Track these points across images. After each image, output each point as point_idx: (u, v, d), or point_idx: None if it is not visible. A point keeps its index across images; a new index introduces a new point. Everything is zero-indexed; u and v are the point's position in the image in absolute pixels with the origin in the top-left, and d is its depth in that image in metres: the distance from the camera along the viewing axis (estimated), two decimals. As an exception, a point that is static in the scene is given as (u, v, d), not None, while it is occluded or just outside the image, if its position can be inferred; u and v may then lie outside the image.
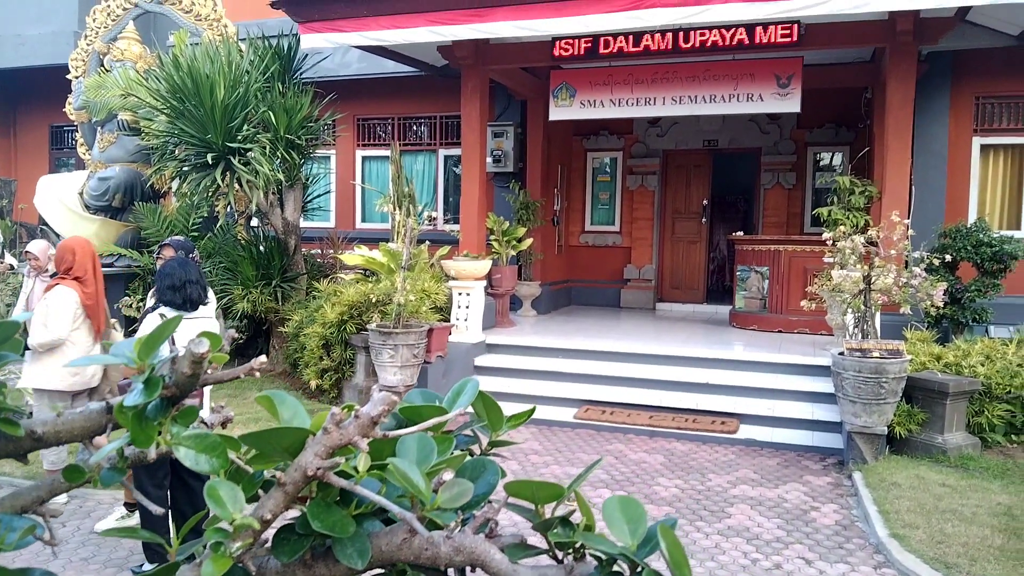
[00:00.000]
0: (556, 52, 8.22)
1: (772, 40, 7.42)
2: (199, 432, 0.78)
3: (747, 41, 7.47)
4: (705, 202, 11.84)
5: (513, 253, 9.52)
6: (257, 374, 0.90)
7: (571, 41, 8.07)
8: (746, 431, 6.87)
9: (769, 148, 11.11)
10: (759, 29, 7.40)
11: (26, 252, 5.76)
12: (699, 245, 11.93)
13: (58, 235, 10.68)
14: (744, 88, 8.21)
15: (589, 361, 7.99)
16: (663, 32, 7.62)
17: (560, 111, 9.13)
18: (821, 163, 11.05)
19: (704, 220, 11.88)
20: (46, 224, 10.92)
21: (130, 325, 8.41)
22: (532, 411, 1.02)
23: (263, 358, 0.93)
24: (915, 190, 8.38)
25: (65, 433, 0.83)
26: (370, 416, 0.76)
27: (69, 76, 10.87)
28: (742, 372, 7.51)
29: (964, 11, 7.08)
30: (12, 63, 12.66)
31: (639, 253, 11.84)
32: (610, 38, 7.91)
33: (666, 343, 8.34)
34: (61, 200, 10.10)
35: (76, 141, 11.39)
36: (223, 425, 0.91)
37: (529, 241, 9.72)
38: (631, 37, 7.82)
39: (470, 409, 0.97)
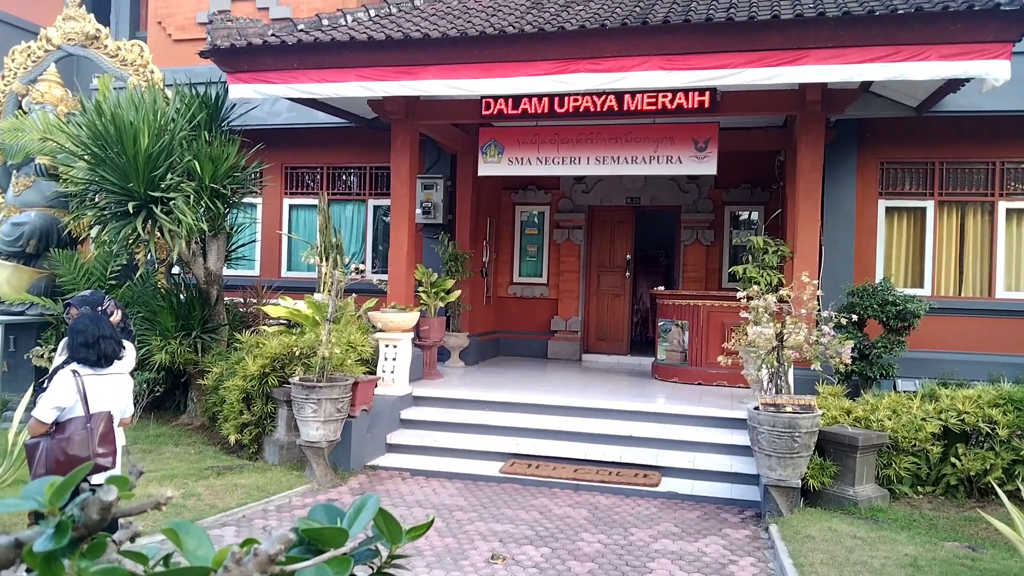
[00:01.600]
0: (485, 110, 8.41)
1: (690, 106, 7.80)
2: (107, 567, 0.80)
3: (667, 106, 7.83)
4: (629, 256, 12.15)
5: (441, 304, 9.55)
6: (163, 508, 0.93)
7: (499, 100, 8.28)
8: (668, 484, 6.98)
9: (688, 206, 11.52)
10: (678, 95, 7.77)
11: None
12: (623, 298, 12.20)
13: (-36, 280, 10.22)
14: (664, 150, 8.56)
15: (515, 414, 8.02)
16: (587, 95, 7.90)
17: (489, 167, 9.31)
18: (740, 219, 11.50)
19: (628, 274, 12.17)
20: (-49, 269, 10.44)
21: (40, 376, 8.06)
22: (431, 522, 1.06)
23: (170, 492, 0.96)
24: (825, 249, 8.82)
25: None
26: (268, 554, 0.80)
27: (-17, 117, 10.53)
28: (664, 424, 7.66)
29: (867, 84, 7.57)
30: (-79, 101, 12.19)
31: (566, 305, 12.02)
32: (536, 99, 8.15)
33: (591, 395, 8.45)
34: (-31, 244, 9.69)
35: (-12, 183, 10.98)
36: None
37: (458, 293, 9.78)
38: (557, 99, 8.08)
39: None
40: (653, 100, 7.85)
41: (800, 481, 6.16)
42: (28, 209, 9.74)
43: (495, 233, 12.02)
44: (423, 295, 9.30)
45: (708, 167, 8.56)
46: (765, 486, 6.20)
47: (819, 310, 7.02)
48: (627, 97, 7.88)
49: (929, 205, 9.72)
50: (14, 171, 9.97)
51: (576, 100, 8.04)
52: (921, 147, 9.60)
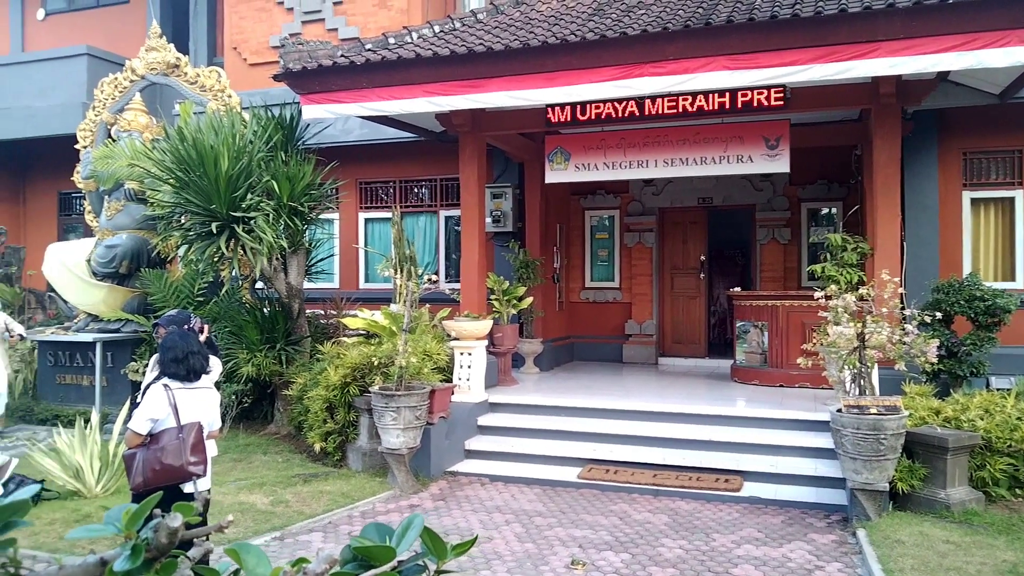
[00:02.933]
0: (550, 119, 8.46)
1: (759, 104, 7.66)
2: None
3: (735, 105, 7.71)
4: (703, 257, 12.00)
5: (514, 311, 9.63)
6: (226, 531, 1.01)
7: (564, 108, 8.31)
8: (750, 488, 6.87)
9: (763, 205, 11.30)
10: (746, 94, 7.64)
11: None
12: (699, 300, 12.04)
13: (66, 302, 10.85)
14: (734, 150, 8.43)
15: (592, 419, 8.03)
16: (653, 98, 7.85)
17: (556, 174, 9.35)
18: (821, 215, 11.22)
19: (702, 275, 12.01)
20: (53, 291, 11.10)
21: (135, 390, 8.47)
22: (475, 540, 1.12)
23: (230, 517, 1.05)
24: (907, 245, 8.52)
25: None
26: (315, 572, 0.87)
27: (77, 146, 11.16)
28: (745, 428, 7.54)
29: (944, 73, 7.31)
30: (22, 134, 13.00)
31: (639, 308, 11.95)
32: (602, 105, 8.15)
33: (669, 400, 8.38)
34: (69, 267, 10.29)
35: (84, 209, 11.63)
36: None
37: (529, 299, 9.84)
38: (622, 104, 8.07)
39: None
40: (721, 100, 7.74)
41: (888, 484, 5.97)
42: (120, 232, 10.28)
43: (565, 239, 12.05)
44: (495, 303, 9.40)
45: (780, 165, 8.39)
46: (851, 490, 6.04)
47: (902, 308, 6.80)
48: (694, 98, 7.81)
49: (1018, 195, 9.30)
50: (106, 196, 10.54)
51: (641, 104, 8.01)
52: (1007, 135, 9.19)
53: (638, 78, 7.04)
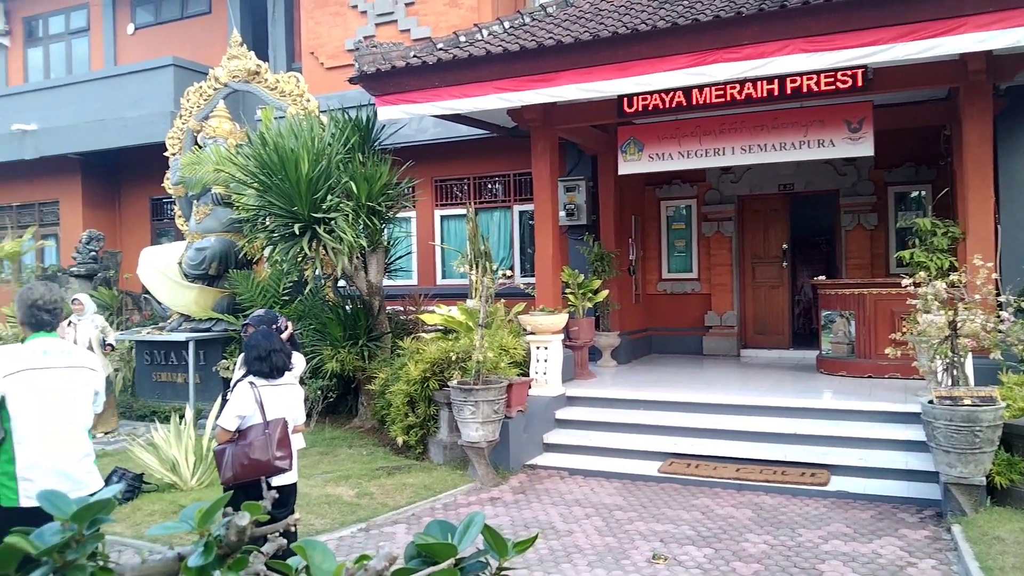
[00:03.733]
0: (622, 110, 8.38)
1: (839, 87, 7.39)
2: None
3: (814, 88, 7.46)
4: (785, 246, 11.69)
5: (590, 305, 9.60)
6: (294, 528, 1.06)
7: (637, 98, 8.21)
8: (837, 483, 6.68)
9: (847, 190, 10.93)
10: (825, 77, 7.38)
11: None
12: (781, 289, 11.74)
13: (160, 303, 11.38)
14: (814, 135, 8.17)
15: (672, 412, 7.94)
16: (728, 85, 7.68)
17: (629, 165, 9.26)
18: (909, 199, 10.77)
19: (785, 264, 11.70)
20: (148, 293, 11.65)
21: (226, 387, 8.81)
22: (535, 538, 1.13)
23: (297, 515, 1.10)
24: (1001, 228, 8.09)
25: None
26: (376, 569, 0.91)
27: (167, 153, 11.68)
28: (831, 421, 7.33)
29: (1041, 44, 6.90)
30: (116, 143, 13.67)
31: (719, 299, 11.73)
32: (675, 93, 8.01)
33: (752, 392, 8.22)
34: (161, 270, 10.78)
35: (174, 213, 12.16)
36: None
37: (605, 292, 9.79)
38: (696, 91, 7.92)
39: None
40: (798, 84, 7.50)
41: (984, 478, 5.71)
42: (208, 235, 10.71)
43: (641, 230, 11.93)
44: (570, 296, 9.39)
45: (863, 148, 8.09)
46: (945, 484, 5.80)
47: (997, 294, 6.47)
48: (770, 83, 7.60)
49: None
50: (195, 201, 11.00)
51: (716, 91, 7.84)
52: (1114, 106, 8.61)
53: (712, 64, 6.90)
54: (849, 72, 7.29)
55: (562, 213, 10.22)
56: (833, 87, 7.42)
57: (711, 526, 5.95)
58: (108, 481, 6.25)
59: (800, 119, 8.31)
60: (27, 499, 3.60)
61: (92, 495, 3.25)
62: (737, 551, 5.42)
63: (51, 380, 3.74)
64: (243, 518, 0.98)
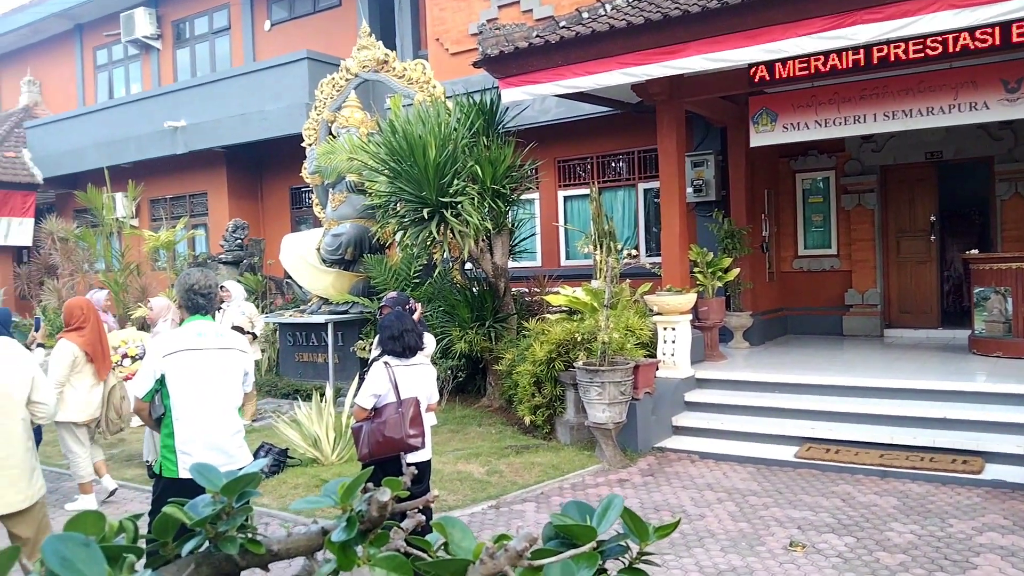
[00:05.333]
0: (753, 79, 8.04)
1: (994, 44, 6.75)
2: (389, 555, 0.97)
3: (969, 47, 6.86)
4: (933, 218, 10.91)
5: (720, 284, 9.32)
6: (432, 503, 1.07)
7: (769, 66, 7.85)
8: (993, 471, 6.20)
9: (1003, 156, 10.04)
10: (979, 33, 6.77)
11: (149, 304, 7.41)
12: (929, 265, 10.98)
13: (300, 287, 11.97)
14: (965, 97, 7.53)
15: (809, 396, 7.62)
16: (868, 48, 7.20)
17: (761, 137, 8.88)
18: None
19: (933, 237, 10.93)
20: (290, 277, 12.28)
21: (362, 367, 9.17)
22: (677, 523, 1.09)
23: (436, 492, 1.11)
24: None
25: (294, 549, 1.08)
26: (516, 550, 0.90)
27: (303, 144, 12.22)
28: (986, 405, 6.82)
29: None
30: (257, 136, 14.42)
31: (861, 276, 11.11)
32: (810, 59, 7.60)
33: (896, 374, 7.75)
34: (302, 256, 11.32)
35: (312, 202, 12.73)
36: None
37: (736, 271, 9.47)
38: (833, 56, 7.47)
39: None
40: (947, 43, 6.92)
41: None
42: (344, 221, 11.15)
43: (774, 205, 11.45)
44: (699, 275, 9.14)
45: (1022, 110, 7.39)
46: (1123, 476, 5.27)
47: None
48: (916, 44, 7.05)
49: None
50: (330, 189, 11.46)
51: (856, 54, 7.37)
52: None
53: (851, 27, 6.48)
54: (1004, 28, 6.65)
55: (689, 189, 9.95)
56: (987, 44, 6.80)
57: (852, 514, 5.67)
58: (256, 455, 6.67)
59: (949, 81, 7.68)
60: (185, 471, 3.89)
61: (242, 468, 3.45)
62: (881, 540, 5.14)
63: (205, 360, 4.00)
64: (384, 494, 1.01)
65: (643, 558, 1.04)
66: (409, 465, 4.62)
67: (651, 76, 7.77)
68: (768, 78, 8.00)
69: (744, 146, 9.82)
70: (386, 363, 4.65)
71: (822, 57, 7.59)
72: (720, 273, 9.20)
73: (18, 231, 18.12)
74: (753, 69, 8.00)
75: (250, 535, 1.06)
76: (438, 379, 5.76)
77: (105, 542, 0.95)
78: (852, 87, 8.21)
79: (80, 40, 19.61)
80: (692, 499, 6.17)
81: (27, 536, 4.04)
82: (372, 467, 1.14)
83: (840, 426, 7.15)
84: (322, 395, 8.07)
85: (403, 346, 4.66)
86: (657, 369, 7.87)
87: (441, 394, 9.21)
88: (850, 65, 7.51)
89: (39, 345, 7.38)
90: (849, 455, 6.80)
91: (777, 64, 7.83)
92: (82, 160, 17.10)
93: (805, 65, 7.71)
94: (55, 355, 6.38)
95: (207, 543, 1.05)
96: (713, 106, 9.77)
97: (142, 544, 1.00)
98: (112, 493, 6.74)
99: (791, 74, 7.83)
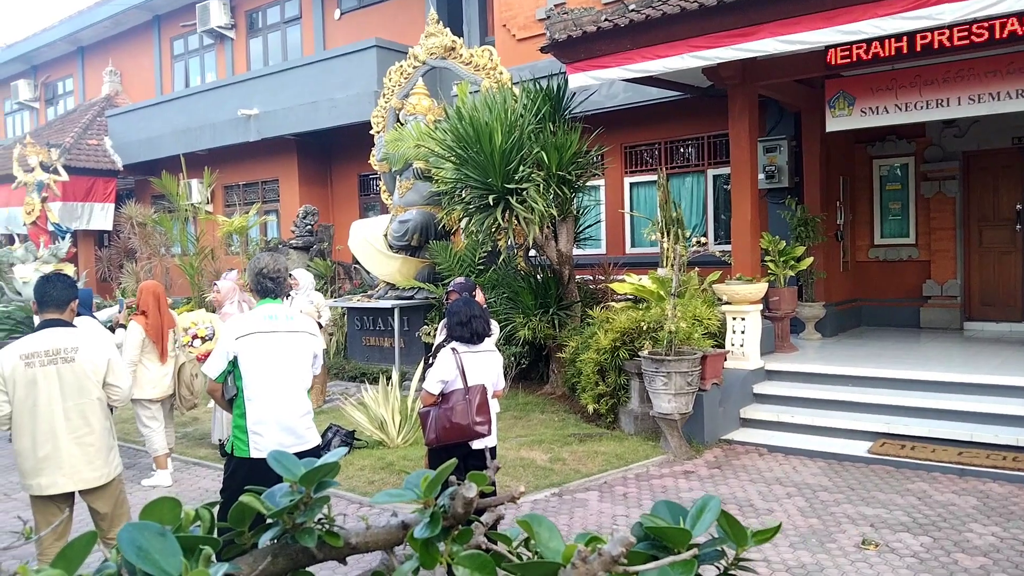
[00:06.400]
0: (830, 61, 7.76)
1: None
2: (473, 553, 0.93)
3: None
4: (1019, 207, 10.38)
5: (792, 273, 9.08)
6: (517, 501, 1.03)
7: (847, 48, 7.57)
8: (1084, 474, 5.90)
9: (1100, 140, 9.50)
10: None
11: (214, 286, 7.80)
12: (1014, 255, 10.47)
13: (368, 272, 12.15)
14: (1061, 78, 7.13)
15: (884, 390, 7.37)
16: (953, 28, 6.87)
17: (838, 121, 8.58)
18: None
19: (1019, 227, 10.42)
20: (358, 263, 12.46)
21: (427, 351, 9.25)
22: (778, 527, 1.02)
23: (522, 488, 1.06)
24: None
25: (372, 543, 1.05)
26: (611, 555, 0.85)
27: (372, 132, 12.35)
28: (1076, 403, 6.49)
29: None
30: (327, 124, 14.63)
31: (940, 267, 10.68)
32: (892, 40, 7.30)
33: (977, 370, 7.44)
34: (369, 241, 11.48)
35: (379, 188, 12.88)
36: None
37: (809, 260, 9.20)
38: (917, 36, 7.16)
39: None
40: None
41: None
42: (410, 208, 11.25)
43: (849, 192, 11.08)
44: (770, 264, 8.92)
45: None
46: None
47: None
48: (1005, 22, 6.70)
49: None
50: (398, 176, 11.57)
51: (940, 34, 7.05)
52: None
53: (935, 6, 6.18)
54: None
55: (761, 176, 9.70)
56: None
57: (928, 513, 5.47)
58: (324, 436, 6.80)
59: (1043, 61, 7.28)
60: (256, 451, 3.98)
61: (312, 450, 3.50)
62: (959, 542, 4.95)
63: (275, 343, 4.08)
64: (470, 489, 0.97)
65: (740, 563, 0.99)
66: (477, 451, 4.64)
67: (723, 60, 7.58)
68: (845, 61, 7.72)
69: (819, 131, 9.52)
70: (453, 349, 4.66)
71: (903, 38, 7.29)
72: (792, 262, 8.96)
73: (100, 216, 18.85)
74: (829, 52, 7.73)
75: (328, 527, 1.04)
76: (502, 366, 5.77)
77: (181, 531, 0.95)
78: (935, 69, 7.86)
79: (158, 31, 20.22)
80: (760, 493, 6.04)
81: (105, 511, 4.20)
82: (454, 460, 1.08)
83: (916, 422, 6.90)
84: (388, 379, 8.18)
85: (471, 332, 4.66)
86: (725, 360, 7.72)
87: (504, 380, 9.25)
88: (934, 46, 7.18)
89: (120, 326, 7.68)
90: (925, 452, 6.56)
91: (855, 46, 7.54)
92: (160, 147, 17.67)
93: (885, 47, 7.41)
94: (127, 336, 6.84)
95: (283, 535, 1.04)
96: (787, 90, 9.49)
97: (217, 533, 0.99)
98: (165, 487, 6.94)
99: (869, 56, 7.54)
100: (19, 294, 13.18)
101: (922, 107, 8.03)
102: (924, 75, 7.94)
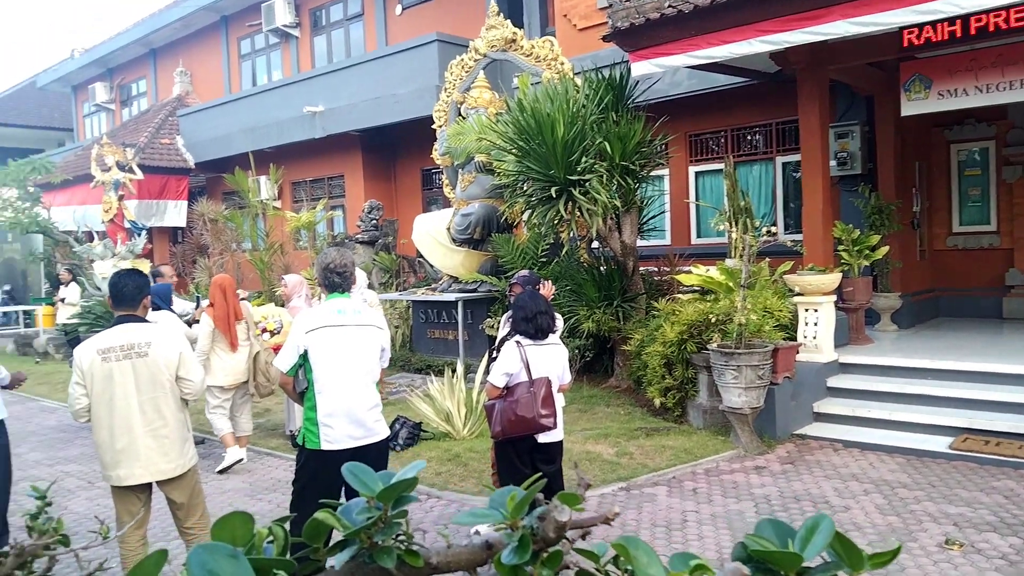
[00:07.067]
0: (905, 42, 7.45)
1: None
2: None
3: None
4: (1112, 189, 9.85)
5: (866, 263, 8.79)
6: (612, 523, 0.97)
7: (923, 29, 7.25)
8: None
9: None
10: None
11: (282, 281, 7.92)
12: (1106, 241, 9.94)
13: (431, 266, 12.23)
14: None
15: (966, 384, 7.08)
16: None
17: (913, 105, 8.25)
18: None
19: (1112, 211, 9.88)
20: (422, 256, 12.56)
21: (491, 344, 9.26)
22: (898, 549, 0.94)
23: (616, 509, 1.00)
24: None
25: (454, 563, 0.99)
26: None
27: (434, 126, 12.41)
28: None
29: None
30: (390, 119, 14.76)
31: (1024, 254, 10.21)
32: (972, 19, 6.95)
33: (1066, 362, 7.08)
34: (432, 235, 11.55)
35: (442, 182, 12.94)
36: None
37: (884, 249, 8.89)
38: (999, 14, 6.81)
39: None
40: None
41: None
42: (473, 201, 11.27)
43: (926, 178, 10.66)
44: (843, 254, 8.65)
45: None
46: None
47: None
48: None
49: None
50: (460, 169, 11.61)
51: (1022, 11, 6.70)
52: None
53: (1023, -21, 5.88)
54: None
55: (833, 162, 9.40)
56: None
57: (1017, 512, 5.23)
58: (391, 428, 6.87)
59: None
60: (327, 443, 4.03)
61: (381, 442, 3.51)
62: (1052, 544, 4.71)
63: (344, 336, 4.13)
64: (563, 512, 0.91)
65: None
66: (543, 444, 4.61)
67: (791, 44, 7.35)
68: (921, 42, 7.39)
69: (893, 116, 9.18)
70: (518, 342, 4.65)
71: (984, 16, 6.93)
72: (867, 251, 8.68)
73: (173, 213, 19.46)
74: (904, 33, 7.42)
75: (407, 545, 0.99)
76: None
77: (254, 550, 0.91)
78: (1019, 48, 7.48)
79: (225, 31, 20.71)
80: (836, 490, 5.87)
81: (181, 501, 4.32)
82: (542, 480, 1.01)
83: (1002, 417, 6.62)
84: (453, 371, 8.21)
85: (535, 328, 4.64)
86: (797, 352, 7.52)
87: (570, 374, 9.20)
88: (1016, 24, 6.82)
89: (195, 321, 7.93)
90: (1012, 448, 6.28)
91: (931, 26, 7.22)
92: (229, 145, 18.11)
93: (963, 26, 7.07)
94: (200, 328, 7.28)
95: (360, 554, 0.98)
96: (859, 73, 9.17)
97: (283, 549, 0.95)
98: (237, 462, 7.22)
99: (947, 36, 7.21)
100: (99, 289, 13.67)
101: (1005, 88, 7.66)
102: (1007, 55, 7.57)
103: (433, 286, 11.77)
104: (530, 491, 0.94)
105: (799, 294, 7.82)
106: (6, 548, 1.16)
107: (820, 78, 8.31)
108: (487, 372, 5.15)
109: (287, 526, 1.01)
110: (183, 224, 19.56)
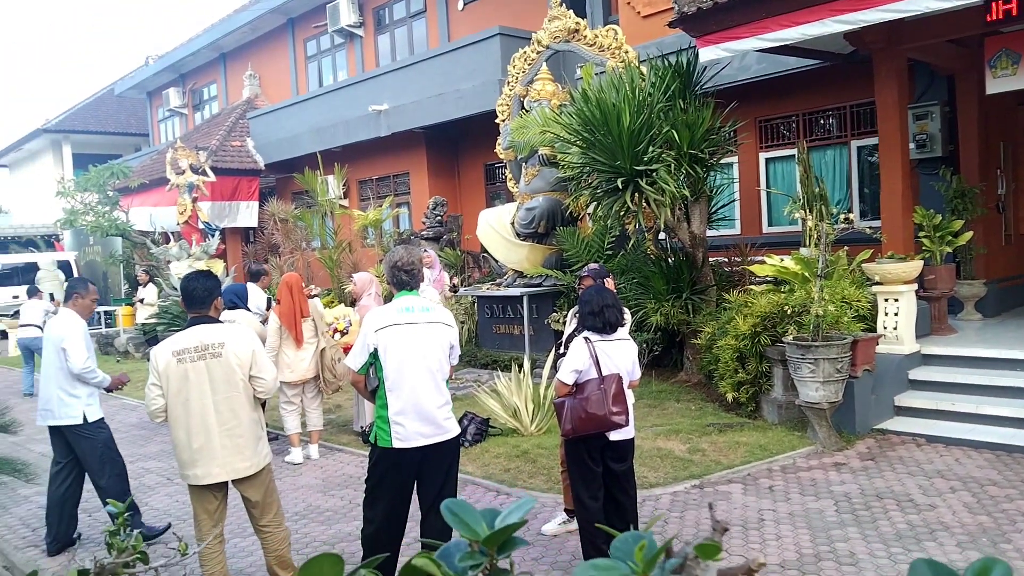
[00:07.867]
0: (991, 16, 7.07)
1: None
2: None
3: None
4: None
5: (948, 249, 8.41)
6: (755, 574, 0.87)
7: (1010, 0, 6.86)
8: None
9: None
10: None
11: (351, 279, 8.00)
12: None
13: (496, 260, 12.22)
14: None
15: (1059, 375, 6.71)
16: None
17: (1000, 82, 7.83)
18: None
19: None
20: (486, 251, 12.57)
21: (556, 339, 9.20)
22: None
23: (762, 559, 0.89)
24: None
25: None
26: None
27: (497, 120, 12.38)
28: None
29: None
30: (453, 115, 14.80)
31: (1122, 237, 9.61)
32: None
33: None
34: (496, 230, 11.54)
35: (505, 177, 12.91)
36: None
37: (968, 235, 8.48)
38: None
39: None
40: None
41: None
42: (537, 195, 11.20)
43: (1012, 159, 10.13)
44: (924, 240, 8.29)
45: None
46: None
47: None
48: None
49: None
50: (523, 163, 11.56)
51: None
52: None
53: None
54: None
55: (912, 145, 9.01)
56: None
57: (1122, 513, 4.91)
58: (460, 423, 6.88)
59: None
60: (398, 441, 4.03)
61: (452, 440, 3.48)
62: None
63: (413, 334, 4.12)
64: (708, 571, 0.81)
65: None
66: (614, 443, 4.52)
67: (867, 22, 7.04)
68: (1007, 15, 6.99)
69: (976, 94, 8.75)
70: (586, 338, 4.57)
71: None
72: (949, 237, 8.31)
73: (245, 213, 19.96)
74: (991, 5, 7.03)
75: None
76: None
77: None
78: (1119, 16, 7.01)
79: (292, 33, 21.11)
80: (920, 487, 5.62)
81: (256, 499, 4.39)
82: (671, 540, 0.90)
83: (1102, 411, 6.23)
84: (520, 367, 8.18)
85: (603, 322, 4.55)
86: (877, 344, 7.23)
87: (639, 369, 9.06)
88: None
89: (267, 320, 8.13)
90: (1115, 444, 5.91)
91: (1020, -3, 6.82)
92: (297, 146, 18.47)
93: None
94: (268, 325, 7.49)
95: None
96: (938, 51, 8.75)
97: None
98: (306, 458, 7.44)
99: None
100: (175, 289, 14.13)
101: (1103, 60, 7.20)
102: (1105, 24, 7.11)
103: (498, 281, 11.75)
104: (663, 545, 0.84)
105: (878, 283, 7.52)
106: (88, 567, 1.15)
107: (897, 57, 7.97)
108: (554, 368, 5.09)
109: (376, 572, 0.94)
110: (255, 224, 20.04)
